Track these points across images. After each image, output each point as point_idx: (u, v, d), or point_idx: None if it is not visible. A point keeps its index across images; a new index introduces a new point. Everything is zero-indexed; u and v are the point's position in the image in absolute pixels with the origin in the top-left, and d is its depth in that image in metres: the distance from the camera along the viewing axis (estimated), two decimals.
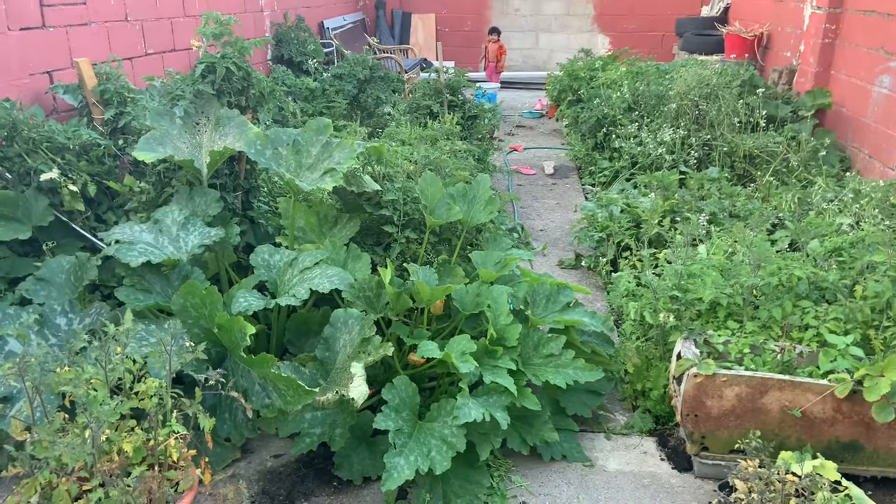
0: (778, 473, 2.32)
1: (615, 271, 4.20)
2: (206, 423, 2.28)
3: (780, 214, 4.10)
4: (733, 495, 2.35)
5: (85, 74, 3.75)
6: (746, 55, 8.00)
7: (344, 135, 4.39)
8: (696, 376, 2.64)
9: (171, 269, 2.95)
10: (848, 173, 5.08)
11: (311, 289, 2.83)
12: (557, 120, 8.61)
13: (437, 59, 6.67)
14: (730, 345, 2.82)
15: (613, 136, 6.30)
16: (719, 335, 2.88)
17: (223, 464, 2.80)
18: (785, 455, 2.43)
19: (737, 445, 2.56)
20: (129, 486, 2.05)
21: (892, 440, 2.61)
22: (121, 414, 2.15)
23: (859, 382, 2.52)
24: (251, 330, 2.54)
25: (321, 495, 2.72)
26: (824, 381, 2.57)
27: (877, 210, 3.77)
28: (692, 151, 5.60)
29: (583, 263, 4.65)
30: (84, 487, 2.09)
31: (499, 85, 10.35)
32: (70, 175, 3.37)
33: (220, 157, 3.26)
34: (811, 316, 2.85)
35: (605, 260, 4.34)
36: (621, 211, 4.56)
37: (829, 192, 4.26)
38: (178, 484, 2.22)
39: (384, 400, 2.61)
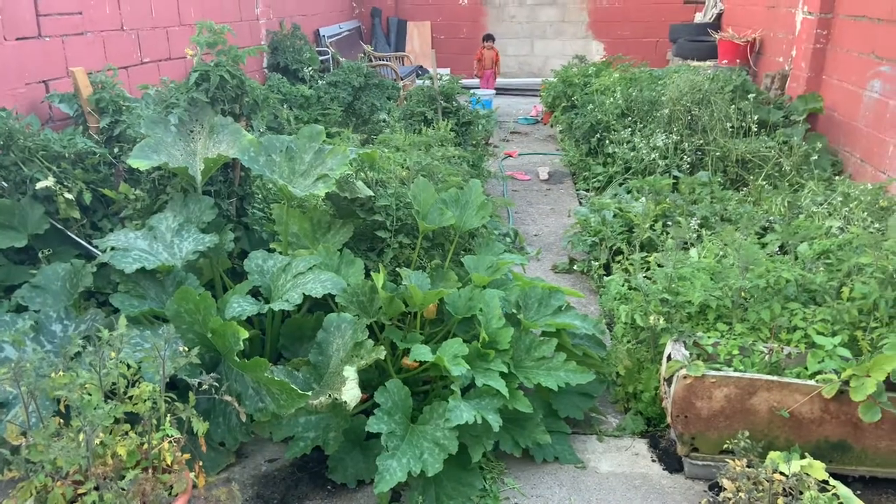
0: (766, 473, 2.35)
1: (608, 275, 4.23)
2: (200, 426, 2.31)
3: (771, 218, 4.14)
4: (722, 495, 2.37)
5: (80, 84, 3.79)
6: (739, 61, 8.05)
7: (337, 141, 4.43)
8: (685, 378, 2.67)
9: (165, 275, 2.98)
10: (839, 177, 5.12)
11: (304, 293, 2.86)
12: (552, 126, 8.66)
13: (431, 67, 6.72)
14: (719, 346, 2.85)
15: (607, 141, 6.34)
16: (709, 337, 2.91)
17: (218, 468, 2.82)
18: (773, 455, 2.46)
19: (726, 446, 2.58)
20: (123, 489, 2.08)
21: (879, 440, 2.63)
22: (115, 418, 2.17)
23: (846, 383, 2.54)
24: (244, 334, 2.56)
25: (315, 499, 2.74)
26: (812, 382, 2.60)
27: (865, 213, 3.81)
28: (685, 156, 5.64)
29: (576, 268, 4.68)
30: (78, 491, 2.11)
31: (494, 91, 10.41)
32: (65, 183, 3.40)
33: (215, 165, 3.30)
34: (799, 317, 2.88)
35: (597, 264, 4.38)
36: (614, 216, 4.60)
37: (819, 195, 4.30)
38: (171, 487, 2.24)
39: (378, 403, 2.63)
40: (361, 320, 2.89)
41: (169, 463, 2.28)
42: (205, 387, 2.30)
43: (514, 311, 3.19)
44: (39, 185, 3.27)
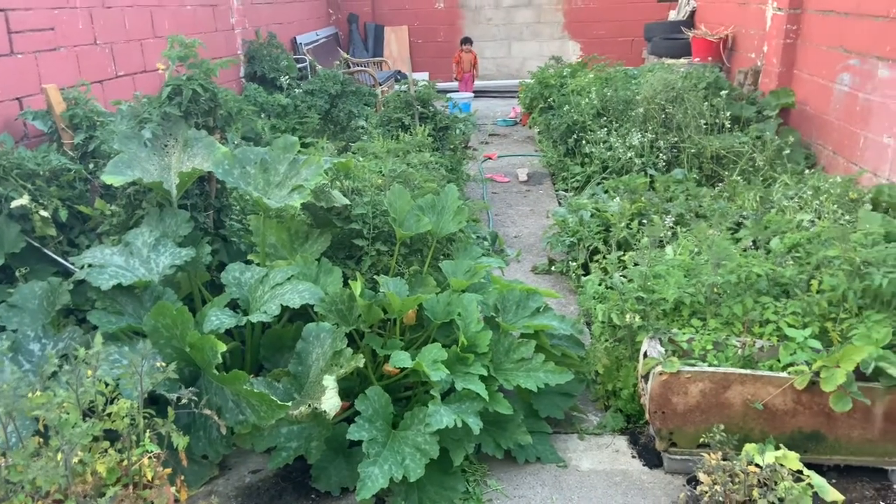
0: (741, 465, 2.39)
1: (587, 275, 4.27)
2: (180, 441, 2.31)
3: (744, 213, 4.20)
4: (699, 488, 2.41)
5: (53, 100, 3.78)
6: (712, 58, 8.15)
7: (311, 151, 4.44)
8: (661, 374, 2.71)
9: (142, 290, 2.98)
10: (811, 170, 5.20)
11: (282, 304, 2.87)
12: (530, 127, 8.72)
13: (409, 72, 6.75)
14: (693, 342, 2.90)
15: (584, 141, 6.39)
16: (683, 333, 2.95)
17: (201, 481, 2.83)
18: (748, 447, 2.50)
19: (703, 440, 2.63)
20: None
21: (852, 429, 2.69)
22: (93, 436, 2.18)
23: (818, 374, 2.60)
24: (222, 348, 2.57)
25: None
26: (784, 374, 2.65)
27: (836, 205, 3.87)
28: (660, 154, 5.71)
29: (555, 268, 4.72)
30: None
31: (472, 94, 10.45)
32: (41, 201, 3.40)
33: (190, 178, 3.30)
34: (771, 311, 2.93)
35: (576, 264, 4.42)
36: (591, 216, 4.64)
37: (791, 189, 4.36)
38: (152, 502, 2.25)
39: (359, 411, 2.66)
40: (340, 329, 2.90)
41: (150, 479, 2.29)
42: (184, 401, 2.31)
43: (493, 314, 3.22)
44: (14, 204, 3.26)
